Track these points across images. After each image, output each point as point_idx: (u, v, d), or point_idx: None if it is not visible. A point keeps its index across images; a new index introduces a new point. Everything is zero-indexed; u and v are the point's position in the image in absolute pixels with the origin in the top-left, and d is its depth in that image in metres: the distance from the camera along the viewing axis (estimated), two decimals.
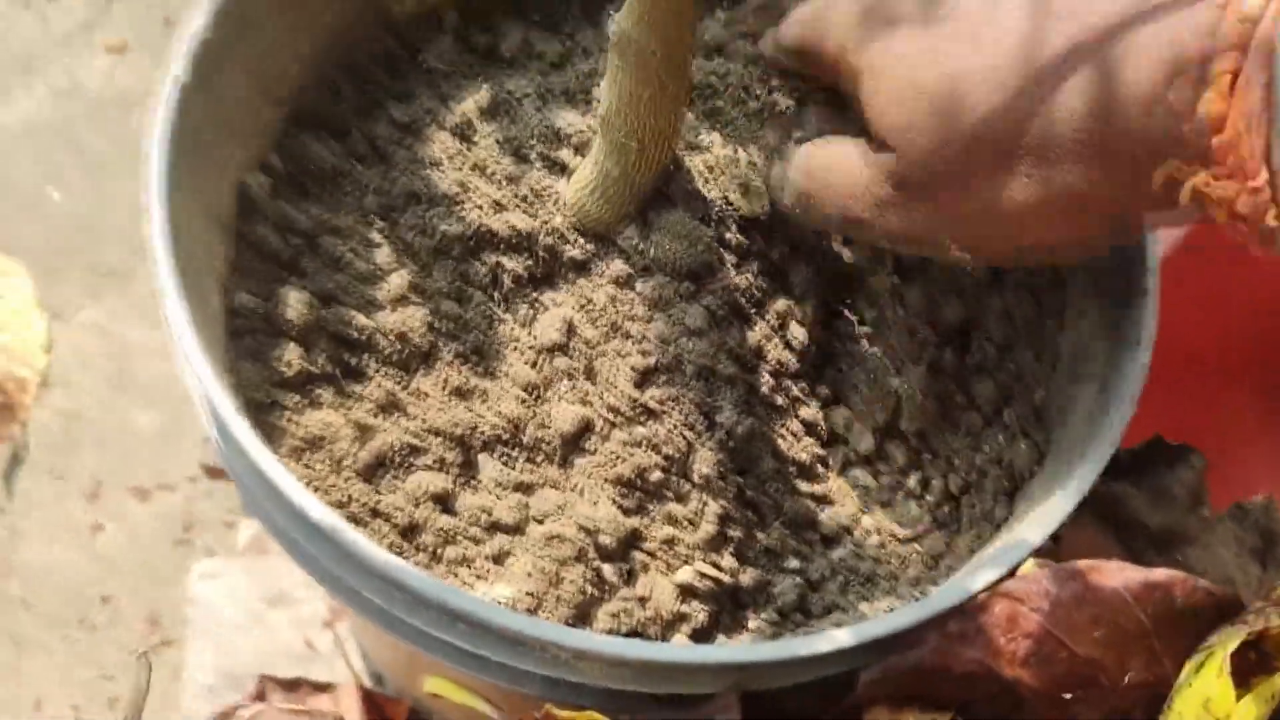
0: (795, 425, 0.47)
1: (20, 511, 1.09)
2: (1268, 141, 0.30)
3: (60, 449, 1.12)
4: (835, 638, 0.35)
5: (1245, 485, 0.81)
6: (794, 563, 0.44)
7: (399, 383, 0.44)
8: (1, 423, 1.11)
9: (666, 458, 0.43)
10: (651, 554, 0.42)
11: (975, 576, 0.37)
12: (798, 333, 0.47)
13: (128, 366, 1.17)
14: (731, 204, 0.46)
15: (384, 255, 0.47)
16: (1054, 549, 0.46)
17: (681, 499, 0.43)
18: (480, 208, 0.47)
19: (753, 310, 0.46)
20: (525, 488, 0.43)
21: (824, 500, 0.46)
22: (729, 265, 0.45)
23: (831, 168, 0.42)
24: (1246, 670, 0.37)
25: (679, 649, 0.36)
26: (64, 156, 1.27)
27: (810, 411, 0.47)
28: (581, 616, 0.40)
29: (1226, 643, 0.35)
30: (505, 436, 0.43)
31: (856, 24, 0.40)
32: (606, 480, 0.43)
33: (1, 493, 1.10)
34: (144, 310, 1.20)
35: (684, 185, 0.45)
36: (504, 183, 0.47)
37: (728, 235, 0.45)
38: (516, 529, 0.42)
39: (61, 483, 1.10)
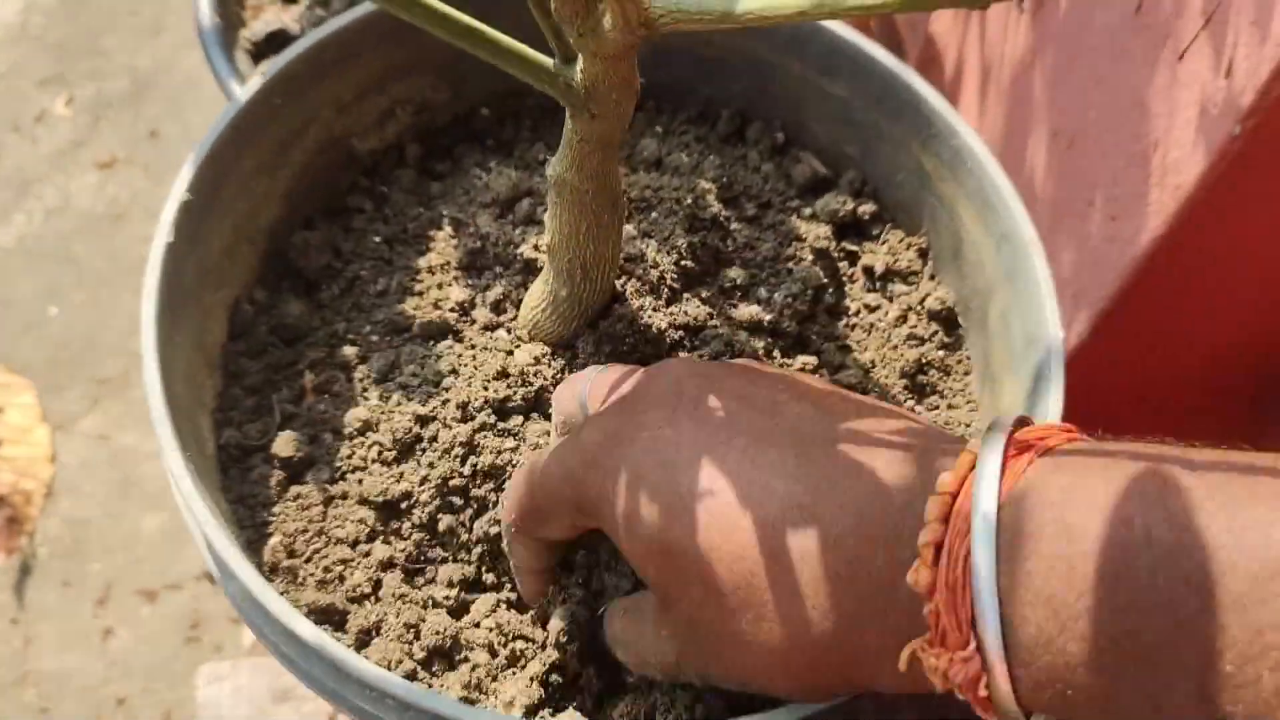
0: None
1: (33, 620, 1.13)
2: (972, 613, 0.31)
3: (69, 556, 1.16)
4: (775, 717, 0.39)
5: None
6: None
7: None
8: (9, 535, 1.15)
9: None
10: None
11: None
12: None
13: (131, 472, 1.21)
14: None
15: (359, 376, 0.51)
16: None
17: None
18: (450, 338, 0.51)
19: None
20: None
21: None
22: None
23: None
24: None
25: None
26: (60, 272, 1.32)
27: None
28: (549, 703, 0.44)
29: None
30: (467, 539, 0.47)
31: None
32: None
33: (13, 603, 1.14)
34: (143, 416, 1.25)
35: (628, 303, 0.50)
36: (462, 307, 0.52)
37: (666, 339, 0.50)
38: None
39: (71, 589, 1.14)
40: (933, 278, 0.56)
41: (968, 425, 0.53)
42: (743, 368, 0.41)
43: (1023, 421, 0.34)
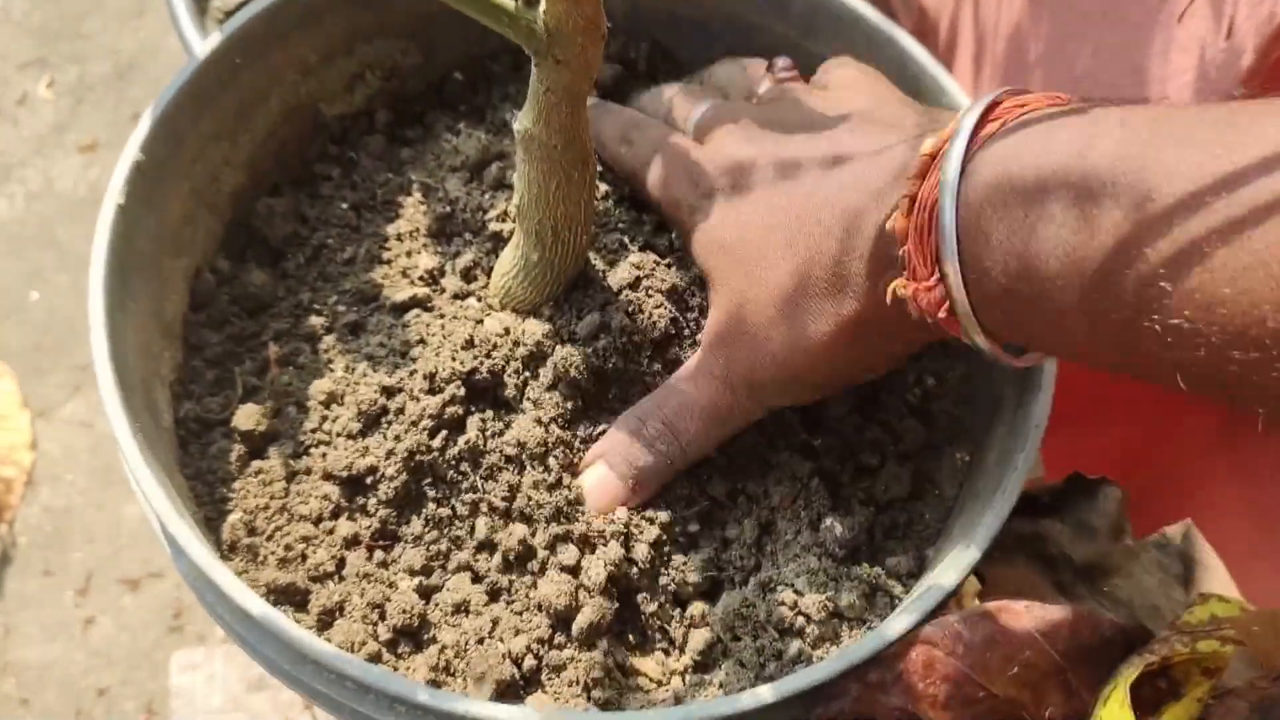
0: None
1: (12, 610, 1.11)
2: (935, 249, 0.37)
3: (50, 545, 1.14)
4: (758, 694, 0.36)
5: (1207, 500, 0.82)
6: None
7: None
8: None
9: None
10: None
11: (890, 625, 0.38)
12: None
13: (113, 459, 1.19)
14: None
15: (325, 347, 0.49)
16: (981, 588, 0.47)
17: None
18: (419, 307, 0.49)
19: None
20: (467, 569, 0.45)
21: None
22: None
23: (680, 395, 0.46)
24: (1157, 699, 0.39)
25: (601, 715, 0.38)
26: (42, 257, 1.30)
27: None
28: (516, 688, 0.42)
29: (1128, 674, 0.36)
30: (441, 517, 0.45)
31: (689, 189, 0.47)
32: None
33: None
34: None
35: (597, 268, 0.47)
36: (431, 275, 0.50)
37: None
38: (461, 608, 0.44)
39: (52, 578, 1.12)
40: None
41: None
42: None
43: (1015, 94, 0.38)
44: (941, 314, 0.38)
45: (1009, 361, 0.40)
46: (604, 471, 0.45)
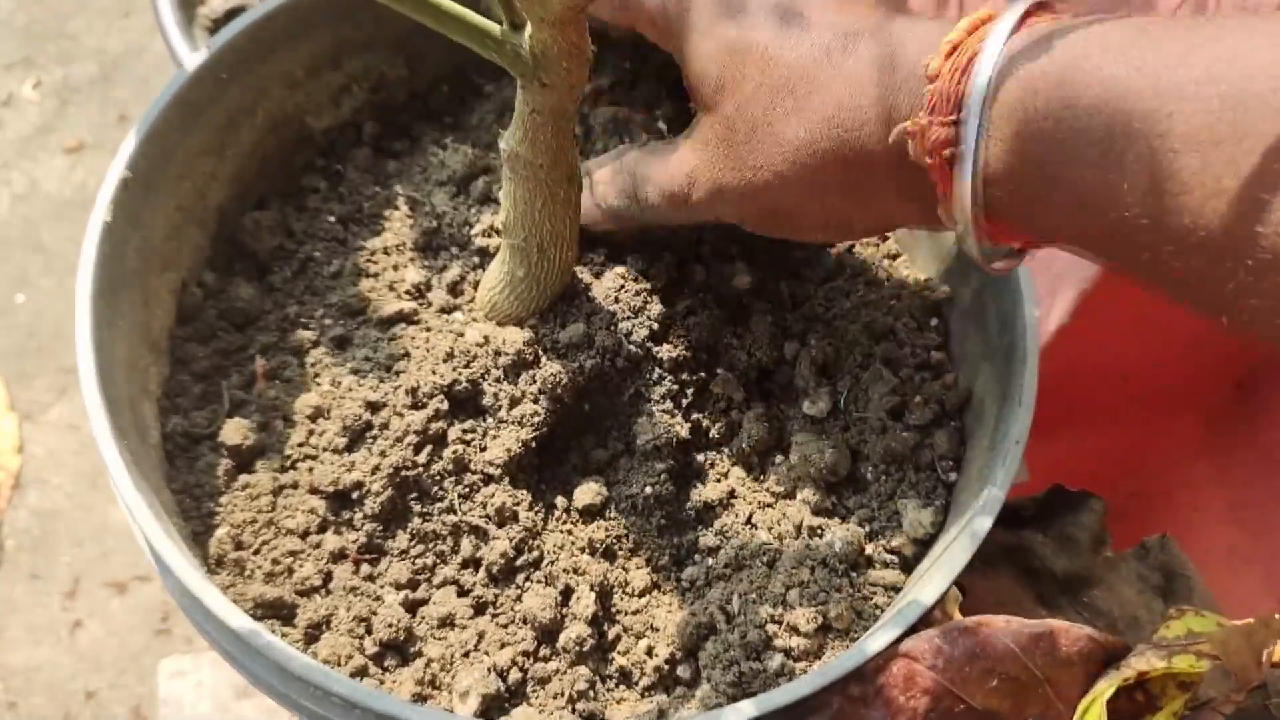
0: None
1: (0, 614, 1.11)
2: (962, 90, 0.37)
3: (37, 548, 1.14)
4: (740, 709, 0.37)
5: (1192, 504, 0.83)
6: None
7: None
8: None
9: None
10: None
11: (872, 640, 0.39)
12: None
13: (100, 462, 1.18)
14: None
15: (312, 361, 0.49)
16: (962, 600, 0.48)
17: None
18: (406, 325, 0.49)
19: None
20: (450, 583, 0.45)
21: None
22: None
23: (651, 163, 0.47)
24: (1134, 711, 0.39)
25: None
26: (28, 259, 1.30)
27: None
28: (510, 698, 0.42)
29: (1104, 689, 0.37)
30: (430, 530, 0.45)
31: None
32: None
33: None
34: None
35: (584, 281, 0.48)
36: (418, 289, 0.50)
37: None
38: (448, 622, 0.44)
39: (40, 582, 1.12)
40: (897, 256, 0.55)
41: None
42: None
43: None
44: (947, 152, 0.37)
45: (985, 266, 0.41)
46: (586, 194, 0.48)
